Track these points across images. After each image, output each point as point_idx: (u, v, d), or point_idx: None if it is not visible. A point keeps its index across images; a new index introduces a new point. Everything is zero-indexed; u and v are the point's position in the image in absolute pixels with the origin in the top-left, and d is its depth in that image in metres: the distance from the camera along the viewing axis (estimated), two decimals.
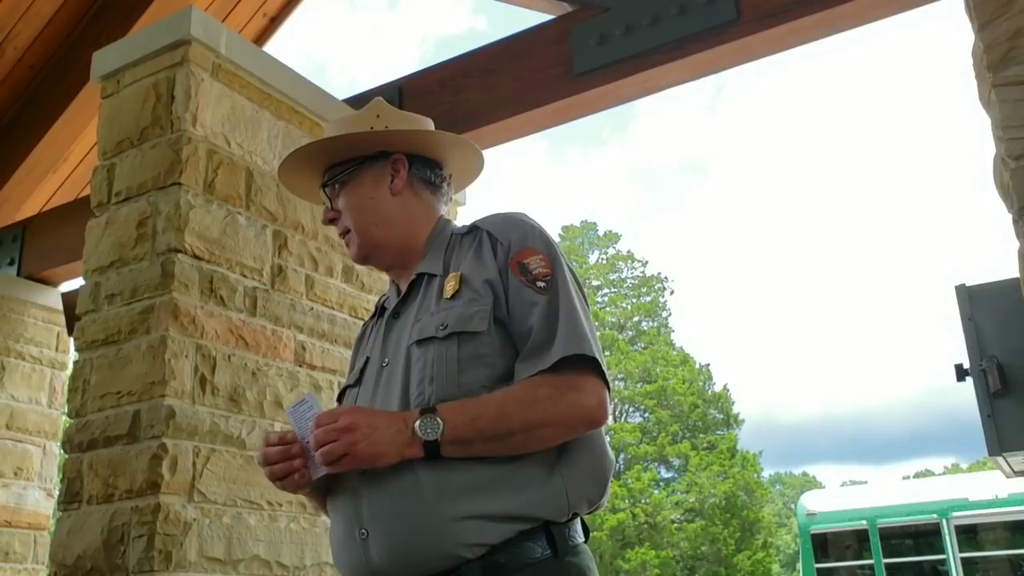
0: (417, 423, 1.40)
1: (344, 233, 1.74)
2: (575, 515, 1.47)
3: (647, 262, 27.16)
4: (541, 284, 1.52)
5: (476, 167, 1.87)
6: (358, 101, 3.50)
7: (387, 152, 1.72)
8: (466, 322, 1.50)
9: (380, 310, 1.78)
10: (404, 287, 1.69)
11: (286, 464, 1.48)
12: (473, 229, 1.66)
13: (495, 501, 1.39)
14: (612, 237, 27.65)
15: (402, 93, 3.48)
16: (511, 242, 1.58)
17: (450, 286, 1.57)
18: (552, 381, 1.44)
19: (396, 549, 1.41)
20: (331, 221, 1.75)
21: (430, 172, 1.76)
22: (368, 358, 1.68)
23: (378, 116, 1.74)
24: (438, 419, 1.40)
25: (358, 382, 1.66)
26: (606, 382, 1.49)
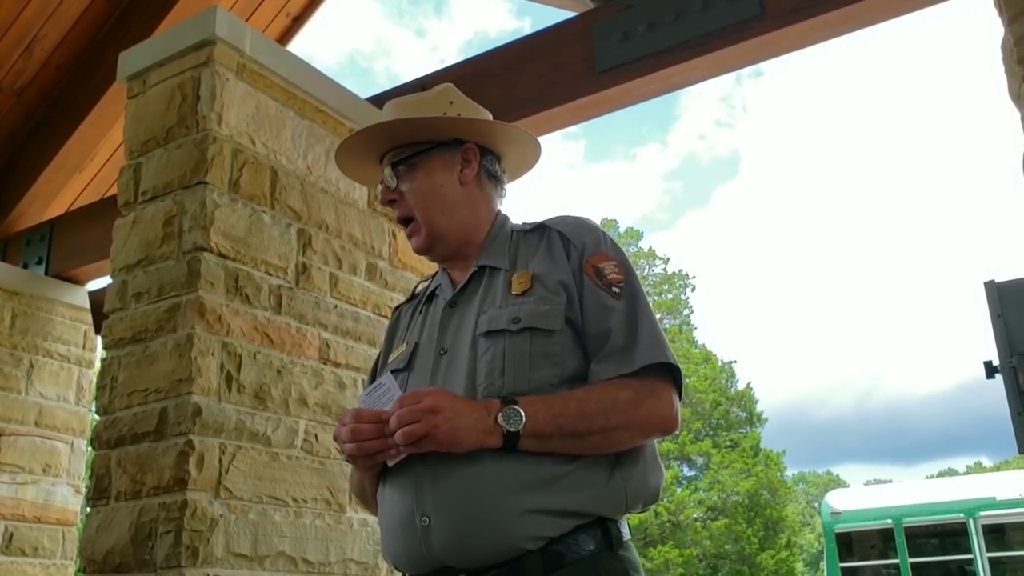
0: (500, 413, 1.41)
1: (406, 220, 1.71)
2: (628, 512, 1.52)
3: (668, 259, 27.11)
4: (616, 290, 1.55)
5: (530, 164, 1.88)
6: (382, 99, 3.51)
7: (460, 140, 1.71)
8: (541, 319, 1.52)
9: (428, 297, 1.76)
10: (461, 278, 1.69)
11: (381, 441, 1.45)
12: (540, 228, 1.69)
13: (559, 497, 1.42)
14: (634, 235, 27.57)
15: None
16: (585, 245, 1.61)
17: (519, 283, 1.58)
18: (633, 385, 1.48)
19: (460, 538, 1.41)
20: (390, 202, 1.72)
21: (496, 166, 1.77)
22: (417, 344, 1.66)
23: (451, 103, 1.73)
24: (520, 411, 1.41)
25: (408, 367, 1.64)
26: (680, 391, 1.54)
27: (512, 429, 1.40)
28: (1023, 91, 1.82)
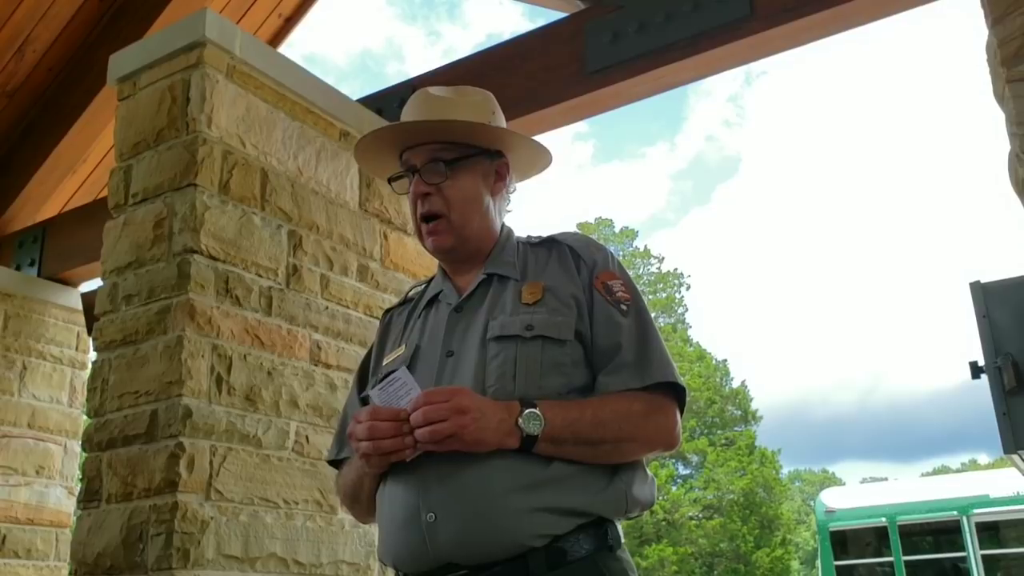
0: (521, 417, 1.44)
1: (432, 217, 1.68)
2: (627, 515, 1.56)
3: (663, 258, 27.15)
4: (624, 307, 1.61)
5: (529, 176, 1.90)
6: (372, 101, 3.51)
7: (500, 153, 1.74)
8: (553, 328, 1.55)
9: (428, 301, 1.76)
10: (466, 284, 1.71)
11: (397, 440, 1.45)
12: (549, 241, 1.73)
13: (564, 497, 1.45)
14: (629, 234, 27.61)
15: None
16: (596, 262, 1.66)
17: (531, 293, 1.62)
18: (644, 398, 1.53)
19: (467, 535, 1.43)
20: (424, 195, 1.68)
21: (514, 183, 1.82)
22: (418, 347, 1.67)
23: (494, 113, 1.76)
24: (540, 415, 1.44)
25: (410, 369, 1.63)
26: (683, 410, 1.60)
27: (532, 433, 1.43)
28: (1007, 92, 1.83)
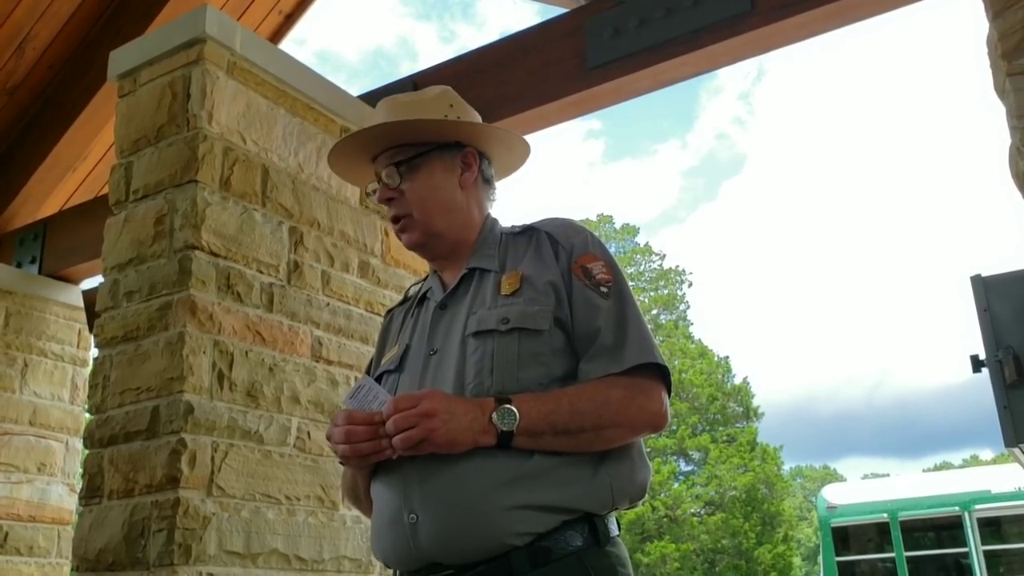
0: (494, 413, 1.42)
1: (401, 217, 1.72)
2: (614, 508, 1.52)
3: (664, 255, 27.13)
4: (604, 289, 1.58)
5: (517, 166, 1.90)
6: (372, 97, 3.51)
7: (460, 144, 1.73)
8: (529, 319, 1.54)
9: (419, 299, 1.77)
10: (451, 280, 1.71)
11: (375, 443, 1.47)
12: (529, 230, 1.71)
13: (545, 493, 1.43)
14: (630, 231, 27.58)
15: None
16: (573, 246, 1.63)
17: (509, 284, 1.60)
18: (624, 383, 1.50)
19: (447, 534, 1.42)
20: (388, 200, 1.73)
21: (490, 169, 1.80)
22: (408, 345, 1.68)
23: (451, 106, 1.75)
24: (515, 410, 1.43)
25: (399, 368, 1.66)
26: (669, 389, 1.56)
27: (506, 428, 1.42)
28: (1007, 86, 1.83)
